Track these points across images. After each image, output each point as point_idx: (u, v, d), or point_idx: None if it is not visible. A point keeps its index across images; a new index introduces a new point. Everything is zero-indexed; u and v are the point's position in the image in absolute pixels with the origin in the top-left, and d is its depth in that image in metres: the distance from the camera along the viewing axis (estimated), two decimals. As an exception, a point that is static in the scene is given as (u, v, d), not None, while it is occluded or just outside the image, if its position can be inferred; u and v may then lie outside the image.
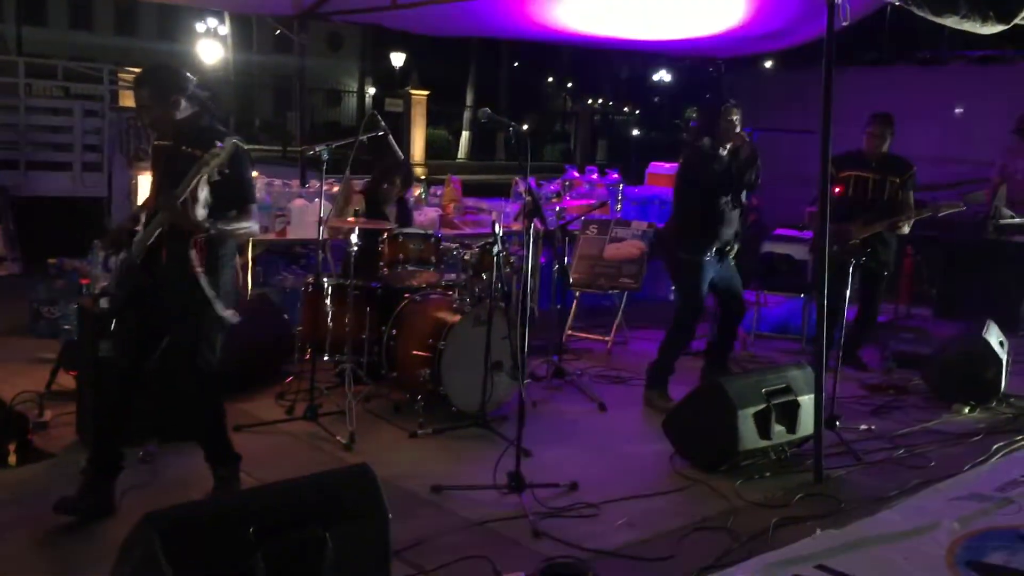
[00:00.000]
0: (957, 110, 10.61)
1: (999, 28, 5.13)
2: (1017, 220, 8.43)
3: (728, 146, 5.61)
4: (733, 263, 5.90)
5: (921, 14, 4.93)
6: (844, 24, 4.73)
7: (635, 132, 38.03)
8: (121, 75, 13.42)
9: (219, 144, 3.67)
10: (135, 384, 3.94)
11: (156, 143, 4.06)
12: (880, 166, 6.60)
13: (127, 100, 12.20)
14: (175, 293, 3.88)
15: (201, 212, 3.75)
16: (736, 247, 5.86)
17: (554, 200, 6.52)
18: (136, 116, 4.07)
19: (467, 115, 34.30)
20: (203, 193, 3.74)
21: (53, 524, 3.70)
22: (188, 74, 3.99)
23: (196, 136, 3.87)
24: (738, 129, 5.59)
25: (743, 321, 6.34)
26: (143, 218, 3.99)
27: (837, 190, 6.36)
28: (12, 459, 4.28)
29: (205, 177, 3.68)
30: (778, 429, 4.75)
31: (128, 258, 3.87)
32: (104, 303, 4.10)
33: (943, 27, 5.90)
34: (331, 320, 5.36)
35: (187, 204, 3.69)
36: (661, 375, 5.81)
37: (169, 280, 3.86)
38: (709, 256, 5.68)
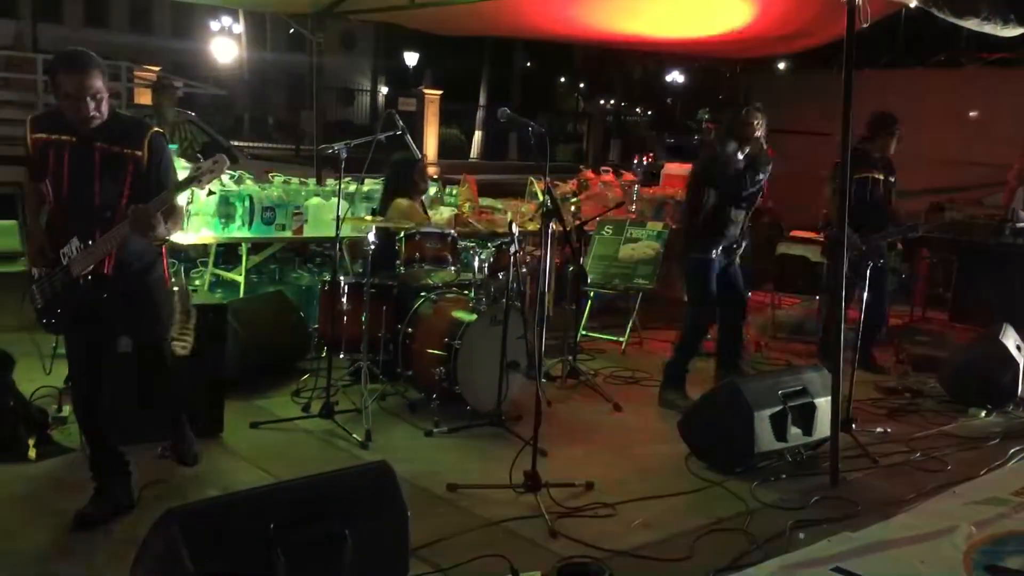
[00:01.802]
0: (973, 113, 10.56)
1: (1020, 31, 5.12)
2: (1034, 223, 8.39)
3: (747, 150, 5.63)
4: (738, 262, 5.94)
5: (942, 16, 4.92)
6: (864, 26, 4.73)
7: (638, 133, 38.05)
8: (137, 73, 13.47)
9: (209, 157, 3.61)
10: (103, 391, 3.78)
11: (51, 137, 3.62)
12: (884, 167, 6.66)
13: (143, 97, 12.26)
14: (133, 299, 3.77)
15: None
16: (743, 245, 5.90)
17: (571, 201, 6.52)
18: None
19: (480, 115, 34.30)
20: (183, 201, 3.69)
21: (73, 518, 3.72)
22: None
23: (118, 132, 3.63)
24: (758, 134, 5.61)
25: (746, 317, 6.37)
26: (67, 231, 3.64)
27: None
28: (32, 453, 4.31)
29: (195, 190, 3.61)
30: (794, 431, 4.75)
31: (64, 275, 3.64)
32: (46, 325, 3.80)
33: (959, 29, 5.91)
34: (347, 318, 5.38)
35: (158, 217, 3.52)
36: (677, 375, 5.82)
37: (124, 288, 3.72)
38: (716, 254, 5.70)
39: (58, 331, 3.86)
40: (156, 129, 3.73)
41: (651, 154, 28.64)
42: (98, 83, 3.52)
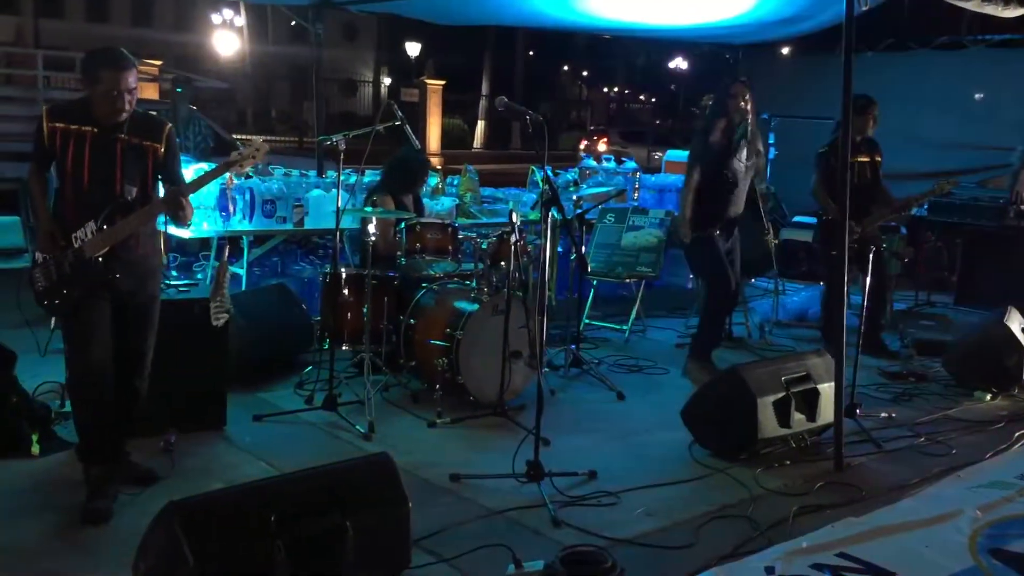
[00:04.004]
0: (977, 95, 10.49)
1: (1021, 12, 5.08)
2: (1039, 206, 8.36)
3: (737, 123, 5.70)
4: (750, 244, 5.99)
5: (943, -3, 4.88)
6: (864, 9, 4.70)
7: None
8: (139, 68, 13.48)
9: (241, 147, 3.80)
10: (103, 380, 3.82)
11: (71, 127, 3.74)
12: (867, 148, 6.64)
13: (145, 92, 12.28)
14: (147, 280, 3.96)
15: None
16: (768, 229, 5.93)
17: (571, 189, 6.51)
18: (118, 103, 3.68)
19: (483, 104, 34.25)
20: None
21: (75, 512, 3.74)
22: None
23: (139, 126, 3.84)
24: (743, 104, 5.65)
25: (736, 303, 6.44)
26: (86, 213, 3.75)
27: None
28: (35, 449, 4.31)
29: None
30: (798, 417, 4.73)
31: (75, 256, 3.74)
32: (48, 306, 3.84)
33: (962, 11, 5.87)
34: (349, 310, 5.37)
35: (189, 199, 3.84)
36: (702, 349, 5.89)
37: (140, 269, 3.91)
38: (717, 231, 5.72)
39: (59, 312, 3.91)
40: (171, 125, 3.98)
41: (605, 138, 28.64)
42: (134, 81, 3.76)
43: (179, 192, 3.81)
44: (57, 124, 3.75)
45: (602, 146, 25.23)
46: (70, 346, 3.87)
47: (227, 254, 4.79)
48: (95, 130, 3.76)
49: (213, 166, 6.73)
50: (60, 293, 3.77)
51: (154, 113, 4.03)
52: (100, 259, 3.75)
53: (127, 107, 3.74)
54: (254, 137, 4.33)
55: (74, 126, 3.75)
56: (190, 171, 5.50)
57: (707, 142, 5.71)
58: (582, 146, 26.34)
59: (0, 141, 9.92)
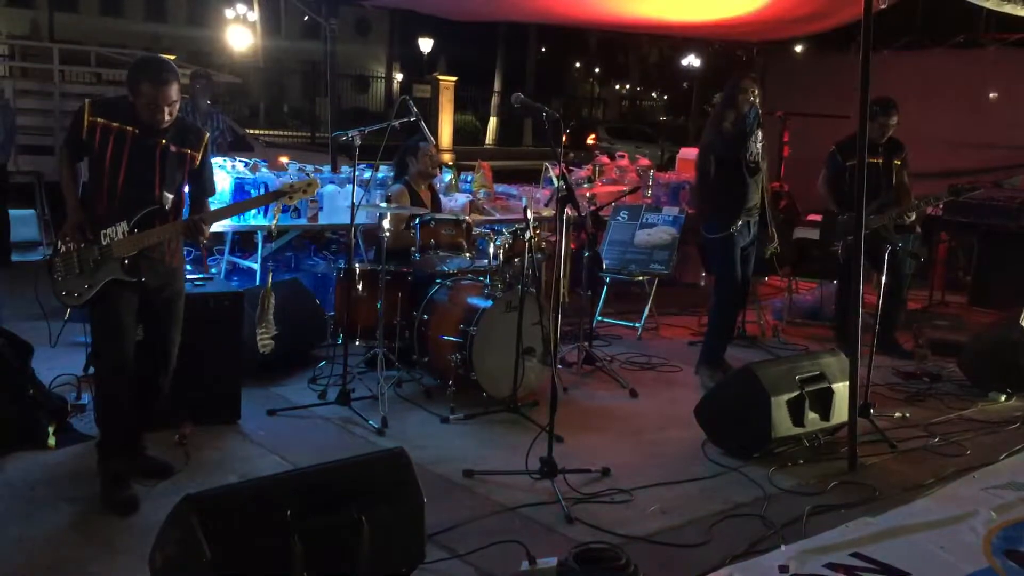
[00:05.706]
0: (992, 94, 10.42)
1: (1040, 10, 5.05)
2: (1054, 206, 8.30)
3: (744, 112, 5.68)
4: (757, 246, 5.95)
5: (962, -5, 4.86)
6: (882, 7, 4.67)
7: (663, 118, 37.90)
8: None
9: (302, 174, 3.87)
10: (130, 373, 3.85)
11: (112, 124, 3.74)
12: (885, 150, 6.60)
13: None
14: (171, 278, 3.99)
15: None
16: (773, 235, 5.91)
17: (585, 186, 6.51)
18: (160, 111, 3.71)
19: (495, 101, 34.22)
20: None
21: (92, 505, 3.76)
22: None
23: (180, 132, 3.88)
24: (752, 99, 5.63)
25: (745, 302, 6.45)
26: (117, 214, 3.79)
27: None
28: (51, 441, 4.33)
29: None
30: (811, 416, 4.72)
31: (101, 252, 3.77)
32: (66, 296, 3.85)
33: (979, 10, 5.83)
34: (363, 305, 5.38)
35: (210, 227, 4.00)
36: (711, 354, 5.89)
37: (165, 268, 3.94)
38: (736, 228, 5.71)
39: (74, 306, 3.90)
40: (208, 134, 4.07)
41: (594, 135, 28.72)
42: (176, 93, 3.73)
43: (199, 222, 3.87)
44: (99, 119, 3.74)
45: (589, 142, 25.18)
46: (99, 337, 3.86)
47: (269, 280, 4.87)
48: (136, 130, 3.76)
49: (229, 159, 6.80)
50: (81, 287, 3.77)
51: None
52: (127, 260, 3.77)
53: (167, 118, 3.75)
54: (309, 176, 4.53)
55: (116, 124, 3.74)
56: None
57: (720, 130, 5.69)
58: (563, 140, 26.23)
59: (16, 134, 9.96)
